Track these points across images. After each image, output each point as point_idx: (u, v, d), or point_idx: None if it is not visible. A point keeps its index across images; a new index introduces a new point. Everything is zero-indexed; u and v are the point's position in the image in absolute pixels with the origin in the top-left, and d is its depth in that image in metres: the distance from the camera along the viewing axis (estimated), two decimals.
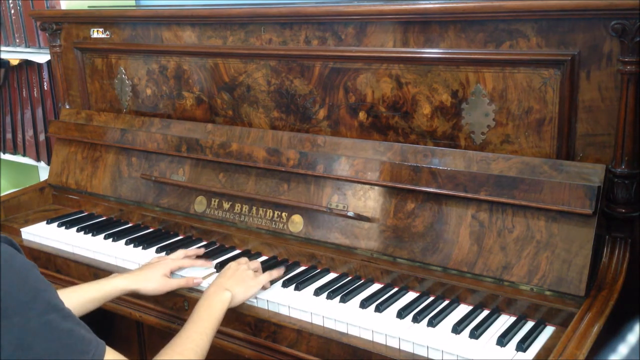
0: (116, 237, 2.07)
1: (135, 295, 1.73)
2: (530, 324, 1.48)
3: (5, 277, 1.06)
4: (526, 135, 1.60)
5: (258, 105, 2.03)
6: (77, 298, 1.58)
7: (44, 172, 3.07)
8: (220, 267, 1.82)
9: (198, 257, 1.87)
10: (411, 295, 1.63)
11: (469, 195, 1.58)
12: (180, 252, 1.83)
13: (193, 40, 2.11)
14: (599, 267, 1.49)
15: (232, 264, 1.66)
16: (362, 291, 1.66)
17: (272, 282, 1.71)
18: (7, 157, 3.05)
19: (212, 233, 2.00)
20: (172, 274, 1.76)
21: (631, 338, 0.68)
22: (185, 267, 1.80)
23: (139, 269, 1.75)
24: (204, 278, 1.76)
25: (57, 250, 2.08)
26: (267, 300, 1.63)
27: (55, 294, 1.14)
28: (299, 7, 1.87)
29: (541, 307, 1.48)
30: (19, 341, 1.05)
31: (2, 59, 1.29)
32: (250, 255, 1.89)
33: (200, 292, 1.74)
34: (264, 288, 1.67)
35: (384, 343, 1.46)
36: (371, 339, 1.48)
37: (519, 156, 1.57)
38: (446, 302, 1.59)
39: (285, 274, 1.76)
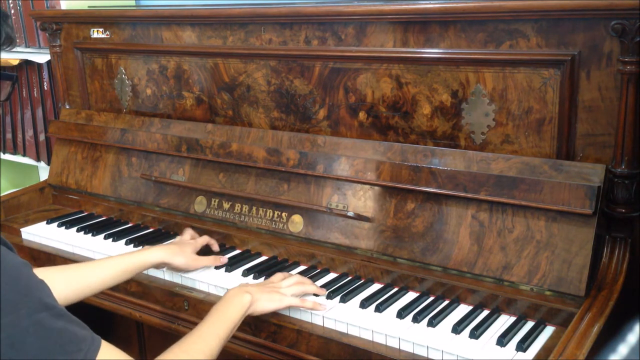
0: (116, 237, 2.07)
1: (166, 267, 1.78)
2: (530, 324, 1.48)
3: None
4: (526, 135, 1.60)
5: (258, 105, 2.03)
6: (112, 267, 1.62)
7: (44, 172, 3.07)
8: (219, 266, 1.82)
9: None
10: (411, 295, 1.63)
11: (469, 195, 1.58)
12: (190, 230, 1.92)
13: (193, 40, 2.11)
14: (599, 267, 1.49)
15: (278, 274, 1.64)
16: (362, 291, 1.66)
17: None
18: (7, 157, 3.05)
19: (212, 233, 2.00)
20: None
21: (631, 338, 0.68)
22: (204, 244, 1.89)
23: (169, 244, 1.82)
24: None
25: (57, 250, 2.08)
26: None
27: (48, 292, 1.12)
28: (299, 7, 1.87)
29: (541, 307, 1.48)
30: (10, 340, 1.04)
31: (10, 73, 1.28)
32: (250, 255, 1.89)
33: (201, 292, 1.74)
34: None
35: (384, 343, 1.46)
36: (371, 339, 1.48)
37: (519, 156, 1.57)
38: (446, 302, 1.59)
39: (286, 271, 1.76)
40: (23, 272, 1.09)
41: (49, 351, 1.07)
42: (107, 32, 2.32)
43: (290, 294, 1.56)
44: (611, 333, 1.35)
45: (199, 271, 1.80)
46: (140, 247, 1.76)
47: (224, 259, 1.83)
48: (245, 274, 1.78)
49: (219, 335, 1.36)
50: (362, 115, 1.83)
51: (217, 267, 1.82)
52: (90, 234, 2.11)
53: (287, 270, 1.77)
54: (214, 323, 1.39)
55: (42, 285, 1.12)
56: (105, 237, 2.08)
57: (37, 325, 1.07)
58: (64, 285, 1.52)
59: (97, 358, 1.12)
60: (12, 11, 2.77)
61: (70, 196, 2.40)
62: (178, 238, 1.92)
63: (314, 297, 1.62)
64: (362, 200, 1.75)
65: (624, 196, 1.48)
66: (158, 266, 1.76)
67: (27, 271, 1.11)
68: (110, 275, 1.61)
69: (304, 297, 1.59)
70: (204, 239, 1.89)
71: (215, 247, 1.91)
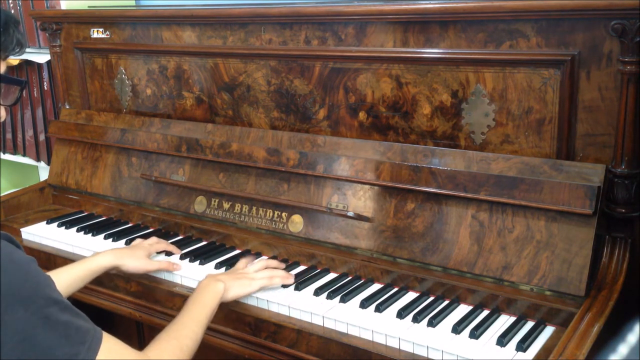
0: (116, 237, 2.07)
1: (117, 271, 1.79)
2: (530, 324, 1.48)
3: (6, 273, 1.07)
4: (526, 135, 1.60)
5: (258, 105, 2.03)
6: (65, 279, 1.63)
7: (44, 172, 3.07)
8: (219, 266, 1.82)
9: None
10: (411, 295, 1.63)
11: (469, 195, 1.58)
12: (154, 238, 1.93)
13: (193, 40, 2.11)
14: (599, 267, 1.49)
15: (242, 259, 1.73)
16: (362, 291, 1.66)
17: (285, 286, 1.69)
18: (7, 157, 3.05)
19: (212, 233, 2.00)
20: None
21: (631, 338, 0.68)
22: (160, 250, 1.91)
23: (122, 247, 1.85)
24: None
25: (57, 250, 2.08)
26: (267, 300, 1.63)
27: (54, 286, 1.16)
28: (299, 7, 1.87)
29: (541, 307, 1.48)
30: (20, 335, 1.07)
31: (20, 78, 1.32)
32: (250, 255, 1.89)
33: None
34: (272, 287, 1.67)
35: (384, 343, 1.46)
36: (371, 339, 1.48)
37: (519, 156, 1.57)
38: (446, 302, 1.59)
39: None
40: (31, 268, 1.13)
41: (56, 344, 1.11)
42: (107, 32, 2.32)
43: (259, 277, 1.64)
44: (611, 333, 1.35)
45: (199, 271, 1.80)
46: (96, 252, 1.78)
47: (178, 266, 1.83)
48: None
49: (201, 321, 1.44)
50: (362, 115, 1.83)
51: (217, 267, 1.82)
52: (90, 234, 2.11)
53: (287, 270, 1.77)
54: (193, 311, 1.46)
55: (49, 281, 1.16)
56: (105, 237, 2.07)
57: (46, 320, 1.10)
58: None
59: (100, 349, 1.16)
60: (12, 11, 2.77)
61: (70, 196, 2.40)
62: (138, 241, 1.92)
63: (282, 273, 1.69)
64: (362, 200, 1.75)
65: (624, 196, 1.48)
66: (110, 269, 1.75)
67: (35, 267, 1.14)
68: (66, 285, 1.62)
69: (273, 275, 1.67)
70: (161, 245, 1.90)
71: (176, 251, 1.92)
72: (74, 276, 1.66)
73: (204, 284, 1.55)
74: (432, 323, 1.48)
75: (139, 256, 1.79)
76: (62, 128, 2.42)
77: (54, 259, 2.05)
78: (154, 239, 1.92)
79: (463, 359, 1.37)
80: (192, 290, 1.75)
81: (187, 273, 1.80)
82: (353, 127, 1.85)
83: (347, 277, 1.74)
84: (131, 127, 2.25)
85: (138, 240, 1.93)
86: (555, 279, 1.46)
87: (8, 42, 1.23)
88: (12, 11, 2.77)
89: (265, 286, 1.65)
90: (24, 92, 1.29)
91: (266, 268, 1.71)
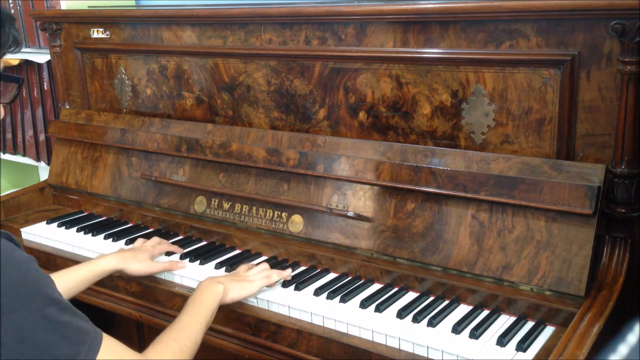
0: (116, 237, 2.07)
1: (121, 274, 1.79)
2: (530, 324, 1.48)
3: (5, 272, 1.07)
4: (526, 135, 1.60)
5: (258, 105, 2.03)
6: (68, 281, 1.63)
7: (44, 172, 3.07)
8: (219, 266, 1.82)
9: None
10: (411, 295, 1.63)
11: (469, 195, 1.58)
12: (156, 239, 1.93)
13: (193, 40, 2.11)
14: (599, 267, 1.49)
15: (242, 265, 1.72)
16: (362, 291, 1.66)
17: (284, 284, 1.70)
18: (7, 157, 3.05)
19: (212, 233, 2.00)
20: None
21: (631, 338, 0.68)
22: (163, 251, 1.90)
23: (125, 250, 1.83)
24: None
25: (57, 250, 2.08)
26: (267, 301, 1.63)
27: (53, 286, 1.15)
28: (299, 7, 1.87)
29: (541, 307, 1.48)
30: (19, 335, 1.07)
31: (17, 76, 1.30)
32: (250, 255, 1.89)
33: None
34: (269, 285, 1.67)
35: (384, 343, 1.46)
36: (371, 339, 1.48)
37: (519, 156, 1.57)
38: (446, 302, 1.59)
39: None
40: (31, 268, 1.12)
41: (56, 344, 1.10)
42: (107, 32, 2.32)
43: (257, 278, 1.65)
44: (611, 333, 1.35)
45: (199, 271, 1.80)
46: (99, 255, 1.78)
47: (182, 264, 1.83)
48: None
49: (201, 323, 1.43)
50: (362, 115, 1.83)
51: (217, 267, 1.82)
52: (90, 234, 2.11)
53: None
54: (193, 312, 1.46)
55: (49, 280, 1.15)
56: (105, 237, 2.07)
57: (46, 320, 1.09)
58: None
59: (100, 350, 1.16)
60: (12, 11, 2.77)
61: (70, 196, 2.40)
62: (139, 242, 1.91)
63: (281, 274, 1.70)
64: (362, 200, 1.75)
65: (624, 196, 1.48)
66: (114, 273, 1.76)
67: (34, 266, 1.13)
68: (68, 287, 1.62)
69: (270, 274, 1.68)
70: (163, 247, 1.90)
71: (178, 250, 1.92)
72: (77, 279, 1.66)
73: (204, 286, 1.55)
74: (432, 323, 1.48)
75: (142, 259, 1.78)
76: (62, 128, 2.42)
77: (53, 259, 2.05)
78: (155, 240, 1.92)
79: (463, 359, 1.37)
80: (192, 290, 1.75)
81: (187, 273, 1.80)
82: (353, 127, 1.85)
83: (347, 277, 1.74)
84: (131, 127, 2.25)
85: (140, 241, 1.92)
86: (555, 279, 1.46)
87: (4, 39, 1.20)
88: (12, 11, 2.77)
89: (264, 285, 1.65)
90: (22, 91, 1.28)
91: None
